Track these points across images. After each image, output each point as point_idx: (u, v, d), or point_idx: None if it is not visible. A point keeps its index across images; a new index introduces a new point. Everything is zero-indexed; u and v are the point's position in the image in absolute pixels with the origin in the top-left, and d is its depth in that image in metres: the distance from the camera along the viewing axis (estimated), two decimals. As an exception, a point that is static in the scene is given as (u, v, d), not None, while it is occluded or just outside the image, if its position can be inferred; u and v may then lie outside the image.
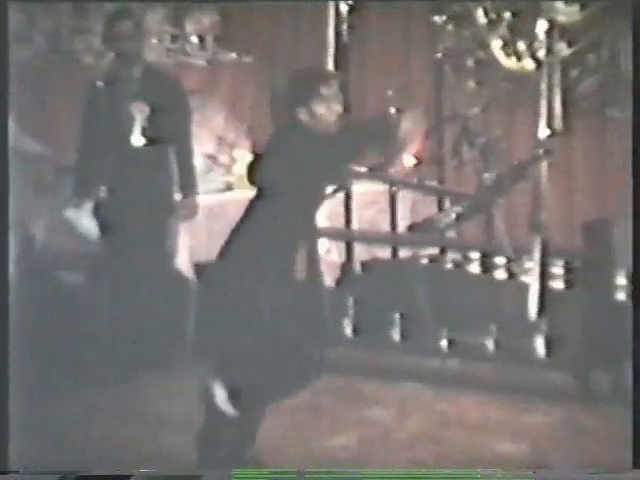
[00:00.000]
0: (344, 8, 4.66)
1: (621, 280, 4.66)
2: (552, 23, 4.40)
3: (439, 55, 4.72)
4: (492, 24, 4.57)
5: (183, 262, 4.61)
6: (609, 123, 4.50)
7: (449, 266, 5.10)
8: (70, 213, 4.56)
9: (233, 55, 4.81)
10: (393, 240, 5.09)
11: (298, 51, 4.66)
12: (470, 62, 4.64)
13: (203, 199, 4.76)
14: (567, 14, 4.46)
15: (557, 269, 4.74)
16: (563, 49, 4.48)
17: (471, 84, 4.71)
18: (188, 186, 4.74)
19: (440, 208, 4.83)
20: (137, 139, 4.46)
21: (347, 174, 4.21)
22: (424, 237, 4.81)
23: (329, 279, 4.68)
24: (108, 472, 3.81)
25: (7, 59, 3.91)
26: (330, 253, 4.85)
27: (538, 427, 4.22)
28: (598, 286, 4.51)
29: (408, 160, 4.38)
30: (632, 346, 4.03)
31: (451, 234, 4.74)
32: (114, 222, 4.49)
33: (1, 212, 4.07)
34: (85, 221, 4.53)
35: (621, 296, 4.71)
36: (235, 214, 3.63)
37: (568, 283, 4.77)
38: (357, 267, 5.07)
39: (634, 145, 3.93)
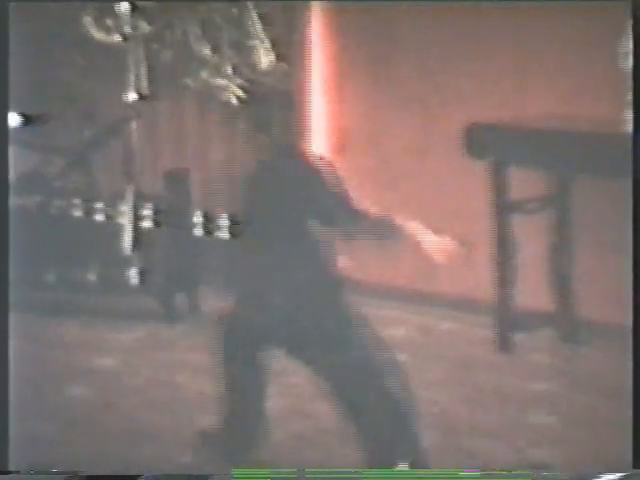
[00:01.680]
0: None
1: (197, 219, 5.61)
2: (133, 4, 5.21)
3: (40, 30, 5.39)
4: (83, 3, 5.31)
5: None
6: (184, 89, 5.39)
7: (55, 211, 5.83)
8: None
9: None
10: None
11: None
12: (70, 35, 5.35)
13: None
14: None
15: (147, 211, 5.61)
16: (145, 27, 5.30)
17: (74, 54, 5.41)
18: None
19: (46, 161, 5.53)
20: None
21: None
22: (32, 186, 5.49)
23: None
24: (116, 472, 3.78)
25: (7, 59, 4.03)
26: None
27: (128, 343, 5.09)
28: (179, 225, 5.43)
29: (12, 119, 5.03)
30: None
31: (56, 184, 5.45)
32: None
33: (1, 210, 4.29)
34: None
35: (198, 232, 5.67)
36: None
37: (156, 223, 5.65)
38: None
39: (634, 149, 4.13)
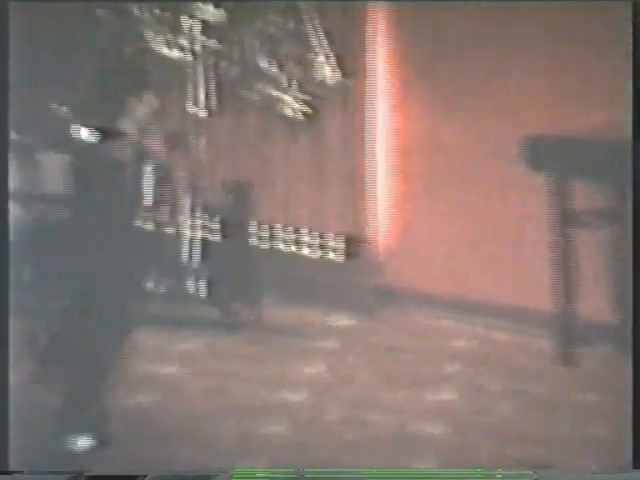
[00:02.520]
0: None
1: (259, 231, 5.69)
2: (196, 20, 5.31)
3: (103, 45, 5.51)
4: (146, 18, 5.41)
5: None
6: (245, 103, 5.47)
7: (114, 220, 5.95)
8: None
9: None
10: (67, 201, 5.89)
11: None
12: (130, 50, 5.46)
13: None
14: (208, 13, 5.38)
15: (210, 224, 5.70)
16: (206, 41, 5.40)
17: (132, 69, 5.53)
18: None
19: (106, 173, 5.64)
20: None
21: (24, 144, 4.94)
22: (95, 196, 5.61)
23: None
24: (119, 472, 3.93)
25: (7, 58, 4.13)
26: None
27: (187, 352, 5.17)
28: (241, 237, 5.51)
29: (78, 132, 5.16)
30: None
31: (118, 194, 5.56)
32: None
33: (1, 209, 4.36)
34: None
35: (260, 244, 5.74)
36: None
37: (218, 234, 5.73)
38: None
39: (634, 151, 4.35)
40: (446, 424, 4.33)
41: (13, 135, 5.07)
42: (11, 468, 3.93)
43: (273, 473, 3.83)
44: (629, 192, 4.68)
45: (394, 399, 4.56)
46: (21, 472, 3.90)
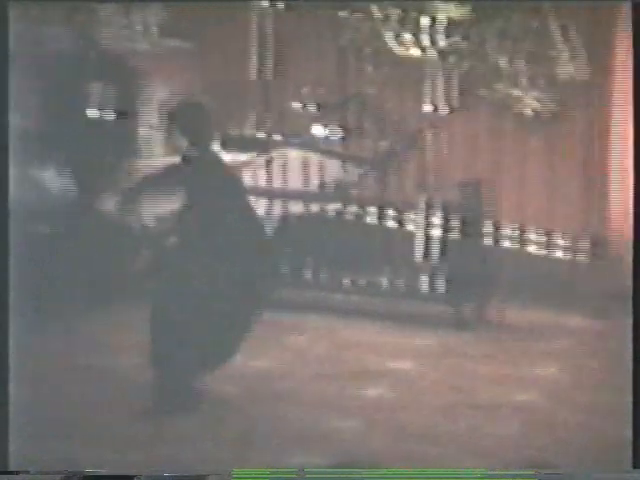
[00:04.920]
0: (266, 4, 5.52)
1: (488, 229, 5.67)
2: (434, 19, 5.35)
3: (343, 44, 5.62)
4: (385, 19, 5.49)
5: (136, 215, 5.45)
6: (479, 100, 5.47)
7: (351, 218, 6.06)
8: (37, 174, 5.36)
9: (175, 42, 5.65)
10: (306, 197, 6.03)
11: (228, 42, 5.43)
12: (368, 50, 5.55)
13: (146, 162, 5.58)
14: (446, 11, 5.40)
15: (438, 220, 5.74)
16: (443, 40, 5.43)
17: (370, 68, 5.62)
18: (133, 152, 5.57)
19: (344, 170, 5.76)
20: (93, 112, 5.29)
21: (267, 142, 5.12)
22: (331, 194, 5.73)
23: (254, 229, 5.59)
24: (113, 472, 3.83)
25: (7, 58, 4.26)
26: (255, 207, 5.74)
27: (420, 348, 5.22)
28: (470, 234, 5.52)
29: (318, 130, 5.29)
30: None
31: (353, 192, 5.66)
32: (73, 182, 5.31)
33: (1, 206, 4.46)
34: (48, 180, 5.34)
35: (488, 241, 5.73)
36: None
37: (447, 231, 5.76)
38: (276, 219, 5.98)
39: (635, 143, 4.31)
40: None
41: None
42: (11, 468, 3.93)
43: (273, 473, 3.78)
44: None
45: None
46: (17, 473, 3.90)
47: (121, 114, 5.10)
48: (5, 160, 4.30)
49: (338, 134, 5.26)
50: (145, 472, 3.77)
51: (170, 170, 4.71)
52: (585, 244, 4.84)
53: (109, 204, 5.11)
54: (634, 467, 3.83)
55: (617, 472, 3.83)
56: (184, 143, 4.64)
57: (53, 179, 5.39)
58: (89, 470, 3.76)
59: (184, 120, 4.61)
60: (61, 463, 3.82)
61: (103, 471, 3.78)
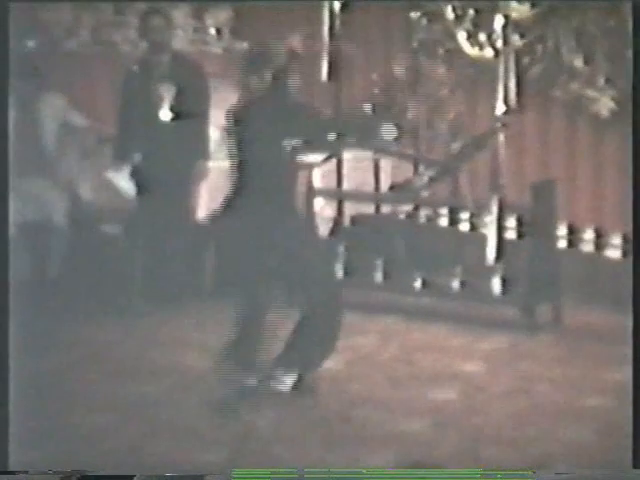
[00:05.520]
0: (337, 6, 5.53)
1: (562, 231, 5.59)
2: (507, 19, 5.30)
3: (415, 45, 5.61)
4: (458, 19, 5.46)
5: (202, 215, 5.51)
6: (552, 101, 5.40)
7: (422, 220, 6.05)
8: (111, 175, 5.46)
9: (245, 44, 5.71)
10: (376, 198, 6.03)
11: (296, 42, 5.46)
12: (441, 51, 5.53)
13: (216, 164, 5.65)
14: (520, 11, 5.35)
15: (511, 222, 5.68)
16: (516, 40, 5.37)
17: (441, 69, 5.60)
18: (203, 153, 5.64)
19: (415, 172, 5.74)
20: (165, 114, 5.36)
21: (338, 144, 5.12)
22: (402, 196, 5.72)
23: (323, 230, 5.61)
24: (111, 472, 3.81)
25: (7, 57, 4.11)
26: (324, 209, 5.75)
27: (490, 351, 5.18)
28: (543, 236, 5.45)
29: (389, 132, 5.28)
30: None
31: (424, 194, 5.63)
32: (147, 183, 5.40)
33: (1, 203, 4.27)
34: (123, 182, 5.43)
35: (562, 244, 5.65)
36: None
37: (519, 234, 5.70)
38: (347, 221, 5.99)
39: (634, 140, 4.22)
40: None
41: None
42: (11, 468, 3.91)
43: (273, 473, 3.73)
44: None
45: None
46: (14, 473, 3.88)
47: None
48: (5, 160, 4.19)
49: (408, 136, 5.24)
50: (145, 472, 3.77)
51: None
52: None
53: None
54: (634, 467, 3.82)
55: (617, 472, 3.82)
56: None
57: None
58: (89, 470, 3.78)
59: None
60: (61, 463, 3.84)
61: (103, 471, 3.79)
